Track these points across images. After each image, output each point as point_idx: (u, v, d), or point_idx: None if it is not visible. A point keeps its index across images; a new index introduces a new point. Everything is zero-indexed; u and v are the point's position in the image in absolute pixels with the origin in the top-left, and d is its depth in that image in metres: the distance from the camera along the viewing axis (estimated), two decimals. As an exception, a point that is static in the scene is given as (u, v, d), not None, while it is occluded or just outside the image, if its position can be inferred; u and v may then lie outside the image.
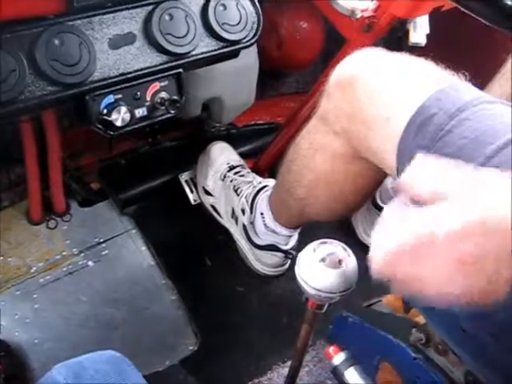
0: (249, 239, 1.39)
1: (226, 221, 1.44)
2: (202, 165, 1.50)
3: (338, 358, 1.00)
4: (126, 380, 0.59)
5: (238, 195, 1.40)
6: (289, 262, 1.40)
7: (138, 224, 1.44)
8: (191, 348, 1.29)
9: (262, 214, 1.33)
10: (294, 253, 1.36)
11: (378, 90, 0.89)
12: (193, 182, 1.51)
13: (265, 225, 1.33)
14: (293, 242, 1.36)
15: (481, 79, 0.93)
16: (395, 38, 1.13)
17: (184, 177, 1.51)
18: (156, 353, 1.27)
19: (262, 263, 1.40)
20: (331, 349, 1.00)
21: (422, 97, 0.82)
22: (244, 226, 1.38)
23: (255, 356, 1.27)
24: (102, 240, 1.40)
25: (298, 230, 1.34)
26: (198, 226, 1.48)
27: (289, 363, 1.20)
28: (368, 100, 0.89)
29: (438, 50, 0.88)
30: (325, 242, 0.69)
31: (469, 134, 0.76)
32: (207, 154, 1.50)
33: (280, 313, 1.35)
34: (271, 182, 1.36)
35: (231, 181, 1.43)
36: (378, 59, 0.93)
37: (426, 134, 0.79)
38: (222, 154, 1.49)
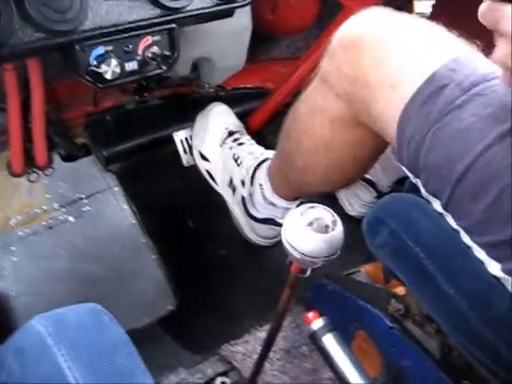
0: (246, 211, 1.35)
1: (222, 188, 1.41)
2: (199, 127, 1.46)
3: (317, 323, 1.01)
4: (106, 332, 0.58)
5: (239, 165, 1.35)
6: None
7: (121, 182, 1.42)
8: (169, 307, 1.29)
9: (260, 185, 1.29)
10: None
11: (385, 53, 0.83)
12: (187, 143, 1.48)
13: (263, 196, 1.29)
14: None
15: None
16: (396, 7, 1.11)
17: (179, 136, 1.48)
18: (134, 311, 1.27)
19: (258, 235, 1.38)
20: (310, 314, 1.01)
21: (433, 65, 0.78)
22: (243, 198, 1.35)
23: (233, 319, 1.28)
24: (83, 196, 1.38)
25: (297, 203, 1.30)
26: (182, 188, 1.47)
27: (266, 327, 1.22)
28: (372, 63, 0.84)
29: (443, 19, 0.85)
30: (313, 207, 0.69)
31: (480, 111, 0.73)
32: (205, 116, 1.45)
33: (260, 278, 1.36)
34: (271, 153, 1.31)
35: (230, 148, 1.39)
36: (386, 20, 0.87)
37: (435, 105, 0.76)
38: (221, 117, 1.45)
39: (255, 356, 1.15)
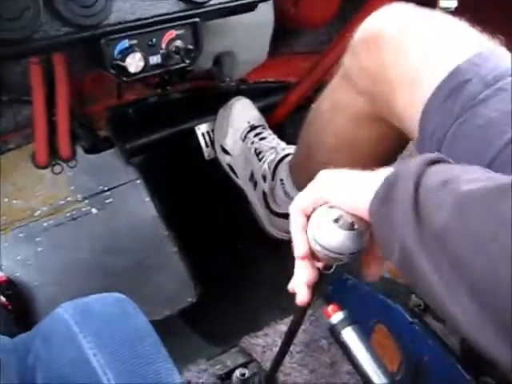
0: (267, 206, 1.35)
1: (243, 182, 1.41)
2: (221, 121, 1.46)
3: (337, 316, 1.01)
4: (130, 321, 0.59)
5: (260, 160, 1.35)
6: None
7: (143, 174, 1.43)
8: (190, 300, 1.30)
9: (281, 180, 1.29)
10: None
11: (406, 49, 0.83)
12: (209, 136, 1.49)
13: (285, 192, 1.29)
14: None
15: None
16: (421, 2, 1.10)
17: (201, 129, 1.48)
18: (155, 302, 1.28)
19: (279, 229, 1.37)
20: (330, 307, 1.01)
21: (456, 60, 0.77)
22: (264, 193, 1.35)
23: (253, 311, 1.29)
24: (106, 188, 1.40)
25: None
26: (204, 181, 1.47)
27: (286, 321, 1.22)
28: (394, 59, 0.84)
29: (467, 15, 0.84)
30: None
31: (502, 106, 0.72)
32: (228, 110, 1.45)
33: (281, 271, 1.36)
34: (293, 149, 1.31)
35: (252, 143, 1.39)
36: (408, 15, 0.87)
37: (457, 99, 0.75)
38: (244, 112, 1.45)
39: (275, 349, 1.16)
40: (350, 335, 1.05)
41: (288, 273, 1.35)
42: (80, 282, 1.28)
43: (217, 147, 1.47)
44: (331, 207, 0.65)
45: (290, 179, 1.27)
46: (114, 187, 1.41)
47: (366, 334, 1.11)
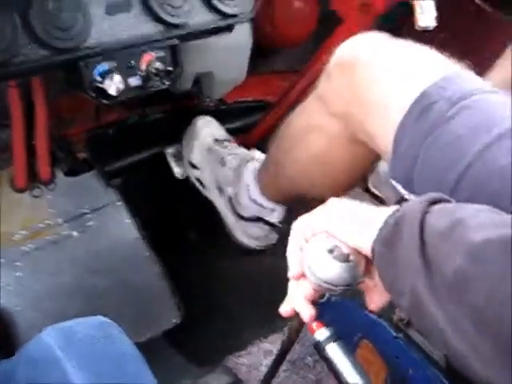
0: (234, 211, 1.39)
1: (211, 193, 1.44)
2: (187, 138, 1.50)
3: (321, 332, 1.01)
4: (115, 344, 0.59)
5: (224, 166, 1.40)
6: (275, 235, 1.41)
7: (124, 196, 1.42)
8: (174, 321, 1.29)
9: (247, 185, 1.33)
10: (279, 225, 1.36)
11: (379, 75, 0.88)
12: (179, 157, 1.50)
13: (249, 197, 1.33)
14: (278, 213, 1.36)
15: (481, 65, 0.93)
16: (397, 21, 1.13)
17: (170, 151, 1.51)
18: (138, 324, 1.27)
19: (248, 236, 1.40)
20: (314, 324, 1.01)
21: (424, 84, 0.82)
22: (229, 198, 1.38)
23: (236, 330, 1.28)
24: (86, 211, 1.39)
25: (285, 205, 1.34)
26: (183, 201, 1.47)
27: (270, 339, 1.22)
28: (368, 85, 0.89)
29: (444, 33, 0.87)
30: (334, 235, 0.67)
31: (468, 123, 0.77)
32: (192, 128, 1.49)
33: (263, 288, 1.36)
34: (257, 154, 1.37)
35: (216, 152, 1.43)
36: (381, 44, 0.92)
37: (426, 121, 0.79)
38: (208, 128, 1.49)
39: (260, 368, 1.15)
40: (334, 351, 1.05)
41: (269, 288, 1.36)
42: (62, 306, 1.26)
43: (185, 164, 1.50)
44: (328, 236, 0.64)
45: (256, 186, 1.31)
46: (95, 209, 1.40)
47: (350, 350, 1.11)
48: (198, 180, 1.47)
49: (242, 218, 1.38)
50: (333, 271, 0.63)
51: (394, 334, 1.02)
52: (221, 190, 1.41)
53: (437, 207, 0.55)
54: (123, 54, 0.92)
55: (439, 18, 1.11)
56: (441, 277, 0.49)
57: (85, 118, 1.47)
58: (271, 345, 1.21)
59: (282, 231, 1.38)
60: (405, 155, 0.82)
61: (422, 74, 0.84)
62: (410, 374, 1.00)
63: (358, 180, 1.26)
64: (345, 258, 0.62)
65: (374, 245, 0.58)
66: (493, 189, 0.72)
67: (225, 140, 1.48)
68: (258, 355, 1.19)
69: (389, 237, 0.55)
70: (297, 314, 0.70)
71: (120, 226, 1.41)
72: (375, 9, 1.10)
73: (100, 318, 0.62)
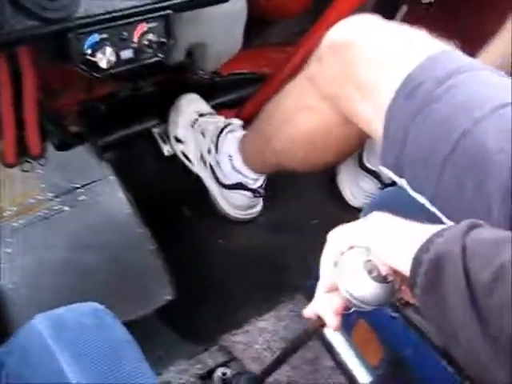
0: (216, 179, 1.40)
1: (197, 166, 1.45)
2: (172, 115, 1.50)
3: (318, 313, 1.00)
4: (108, 333, 0.57)
5: (205, 136, 1.41)
6: (260, 204, 1.43)
7: (117, 170, 1.40)
8: (167, 298, 1.28)
9: (230, 155, 1.34)
10: (262, 191, 1.38)
11: (370, 58, 0.90)
12: (166, 135, 1.50)
13: (232, 166, 1.35)
14: (261, 181, 1.37)
15: (478, 43, 0.95)
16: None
17: (157, 130, 1.50)
18: (132, 301, 1.25)
19: (232, 205, 1.41)
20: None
21: (411, 65, 0.83)
22: (211, 167, 1.40)
23: (232, 308, 1.27)
24: (78, 185, 1.36)
25: (265, 176, 1.37)
26: (176, 177, 1.46)
27: (265, 317, 1.21)
28: (359, 68, 0.90)
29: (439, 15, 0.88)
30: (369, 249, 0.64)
31: (456, 101, 0.78)
32: (177, 104, 1.49)
33: (259, 266, 1.35)
34: (235, 121, 1.39)
35: (199, 125, 1.44)
36: (373, 27, 0.94)
37: (414, 101, 0.80)
38: (192, 104, 1.49)
39: (256, 346, 1.15)
40: (331, 331, 1.04)
41: (266, 268, 1.35)
42: (55, 282, 1.24)
43: (171, 139, 1.50)
44: (367, 251, 0.61)
45: (239, 156, 1.33)
46: (87, 184, 1.37)
47: (347, 329, 1.11)
48: (184, 154, 1.48)
49: (224, 186, 1.40)
50: (369, 291, 0.59)
51: (391, 313, 1.01)
52: (204, 160, 1.42)
53: (474, 242, 0.51)
54: (115, 26, 0.89)
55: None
56: (499, 331, 0.47)
57: (76, 90, 1.43)
58: (267, 322, 1.20)
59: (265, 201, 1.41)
60: (394, 138, 0.83)
61: (408, 55, 0.86)
62: (406, 354, 1.00)
63: (347, 157, 1.34)
64: (383, 279, 0.59)
65: (416, 284, 0.53)
66: (483, 168, 0.73)
67: (208, 113, 1.48)
68: (254, 334, 1.17)
69: (432, 280, 0.52)
70: (318, 318, 0.67)
71: (113, 201, 1.38)
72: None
73: (94, 304, 0.60)
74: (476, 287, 0.48)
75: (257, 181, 1.36)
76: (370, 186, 1.48)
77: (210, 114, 1.49)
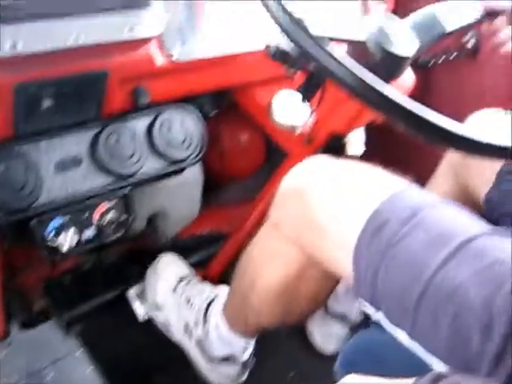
0: (204, 352, 1.32)
1: (179, 336, 1.37)
2: (150, 279, 1.45)
3: None
4: None
5: (191, 307, 1.35)
6: (247, 372, 1.36)
7: (85, 344, 1.37)
8: None
9: (216, 324, 1.28)
10: (251, 362, 1.32)
11: (327, 199, 0.89)
12: (141, 298, 1.47)
13: (219, 336, 1.27)
14: (249, 351, 1.31)
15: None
16: (334, 148, 1.18)
17: (132, 292, 1.47)
18: None
19: (219, 376, 1.33)
20: None
21: (373, 204, 0.83)
22: (199, 341, 1.32)
23: None
24: (45, 365, 1.33)
25: (255, 338, 1.30)
26: (147, 343, 1.43)
27: None
28: (318, 209, 0.89)
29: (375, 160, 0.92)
30: None
31: (423, 238, 0.78)
32: (155, 268, 1.46)
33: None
34: (223, 290, 1.31)
35: (182, 293, 1.38)
36: (325, 167, 0.94)
37: (380, 241, 0.80)
38: (171, 266, 1.45)
39: None
40: None
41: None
42: None
43: (149, 305, 1.44)
44: None
45: (224, 322, 1.26)
46: (54, 362, 1.34)
47: None
48: (164, 323, 1.41)
49: (212, 359, 1.32)
50: None
51: None
52: (189, 332, 1.35)
53: None
54: (76, 208, 0.93)
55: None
56: None
57: (39, 266, 1.44)
58: None
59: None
60: (365, 280, 0.82)
61: (369, 194, 0.86)
62: None
63: (322, 303, 1.26)
64: None
65: None
66: (456, 303, 0.73)
67: (189, 278, 1.44)
68: None
69: None
70: None
71: (82, 376, 1.34)
72: (318, 142, 1.15)
73: None
74: None
75: (246, 350, 1.29)
76: (339, 329, 1.48)
77: (191, 277, 1.44)
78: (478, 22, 0.95)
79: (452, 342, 0.74)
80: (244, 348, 1.29)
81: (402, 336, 0.81)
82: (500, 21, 0.96)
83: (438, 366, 0.77)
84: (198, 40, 1.03)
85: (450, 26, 0.88)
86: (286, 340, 1.53)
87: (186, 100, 1.10)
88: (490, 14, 0.95)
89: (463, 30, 0.95)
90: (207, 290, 1.36)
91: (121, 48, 0.91)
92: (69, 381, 1.32)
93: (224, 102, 1.30)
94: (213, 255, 1.56)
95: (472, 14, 0.94)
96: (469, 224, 0.80)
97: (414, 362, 0.80)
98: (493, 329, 0.70)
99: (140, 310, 1.45)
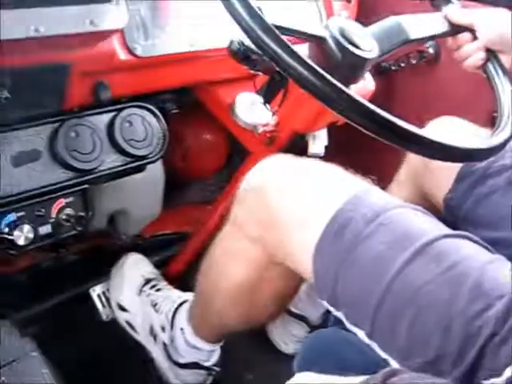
0: (169, 358, 1.30)
1: (144, 338, 1.35)
2: (115, 279, 1.43)
3: None
4: None
5: (157, 311, 1.33)
6: (211, 378, 1.34)
7: (41, 345, 1.34)
8: None
9: (182, 329, 1.26)
10: (216, 369, 1.30)
11: (290, 196, 0.89)
12: (105, 297, 1.45)
13: (186, 341, 1.25)
14: (215, 357, 1.29)
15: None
16: (296, 148, 1.19)
17: (96, 291, 1.44)
18: None
19: (183, 381, 1.31)
20: None
21: (336, 203, 0.83)
22: (164, 344, 1.30)
23: None
24: (-2, 366, 1.29)
25: (221, 344, 1.28)
26: (107, 345, 1.40)
27: None
28: (280, 207, 0.89)
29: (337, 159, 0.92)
30: None
31: (386, 240, 0.78)
32: (120, 268, 1.43)
33: None
34: (191, 296, 1.29)
35: (148, 295, 1.36)
36: (287, 166, 0.94)
37: (343, 240, 0.80)
38: (137, 266, 1.43)
39: None
40: None
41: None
42: None
43: (114, 306, 1.42)
44: None
45: (190, 328, 1.25)
46: (7, 364, 1.30)
47: None
48: (128, 323, 1.39)
49: (177, 364, 1.29)
50: None
51: None
52: (154, 335, 1.33)
53: None
54: (32, 204, 0.91)
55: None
56: None
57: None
58: None
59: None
60: (326, 276, 0.82)
61: (332, 193, 0.86)
62: None
63: (287, 303, 1.27)
64: None
65: None
66: (417, 305, 0.74)
67: (154, 278, 1.42)
68: None
69: None
70: None
71: (37, 378, 1.31)
72: (280, 142, 1.15)
73: None
74: None
75: (212, 354, 1.27)
76: (299, 330, 1.48)
77: (157, 278, 1.42)
78: (443, 36, 0.97)
79: (410, 344, 0.75)
80: (209, 354, 1.28)
81: (361, 334, 0.82)
82: (464, 37, 0.98)
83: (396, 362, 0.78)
84: (161, 36, 1.03)
85: (414, 35, 0.89)
86: (245, 341, 1.52)
87: (148, 97, 1.09)
88: (456, 29, 0.97)
89: (426, 40, 0.97)
90: (174, 296, 1.34)
91: (82, 41, 0.90)
92: (24, 382, 1.28)
93: (187, 100, 1.30)
94: (174, 256, 1.55)
95: (438, 26, 0.96)
96: (428, 227, 0.81)
97: (373, 360, 0.80)
98: (452, 330, 0.71)
99: (103, 310, 1.43)
